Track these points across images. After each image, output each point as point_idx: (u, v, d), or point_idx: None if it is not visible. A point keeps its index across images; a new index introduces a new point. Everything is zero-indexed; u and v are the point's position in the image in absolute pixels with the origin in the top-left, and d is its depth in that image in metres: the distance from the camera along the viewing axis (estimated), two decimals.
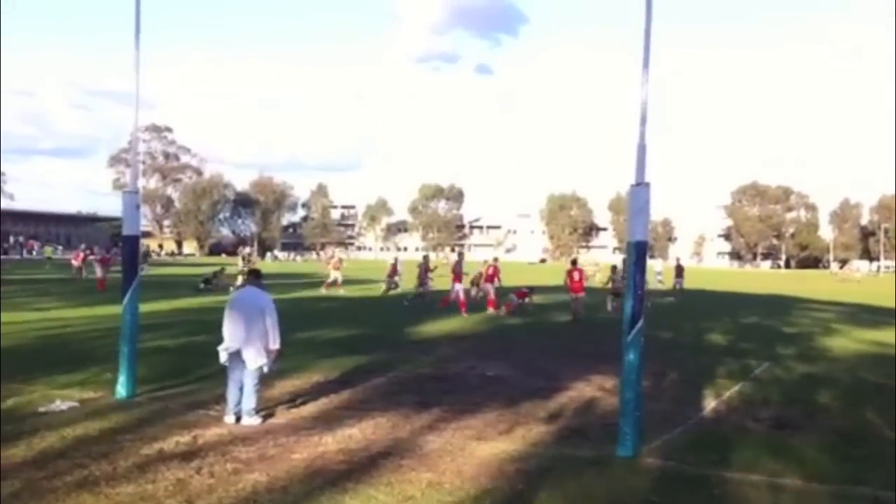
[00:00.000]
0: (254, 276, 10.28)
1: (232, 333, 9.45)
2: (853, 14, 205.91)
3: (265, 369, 9.50)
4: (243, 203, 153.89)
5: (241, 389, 9.38)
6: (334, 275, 36.09)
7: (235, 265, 42.84)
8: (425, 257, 31.42)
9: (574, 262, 26.63)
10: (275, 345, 9.50)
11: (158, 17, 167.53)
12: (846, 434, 9.52)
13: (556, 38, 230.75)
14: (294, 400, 10.64)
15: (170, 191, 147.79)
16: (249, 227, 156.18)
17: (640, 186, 8.44)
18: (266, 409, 9.73)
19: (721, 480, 7.33)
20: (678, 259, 38.33)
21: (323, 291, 34.63)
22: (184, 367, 12.80)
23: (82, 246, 63.89)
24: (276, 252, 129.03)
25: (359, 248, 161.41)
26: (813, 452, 8.54)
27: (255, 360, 9.33)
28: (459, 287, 26.29)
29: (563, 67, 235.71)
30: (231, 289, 28.13)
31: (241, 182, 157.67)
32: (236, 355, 9.39)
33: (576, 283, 24.57)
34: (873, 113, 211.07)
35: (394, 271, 35.20)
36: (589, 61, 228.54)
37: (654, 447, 8.47)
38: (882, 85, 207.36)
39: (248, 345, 9.33)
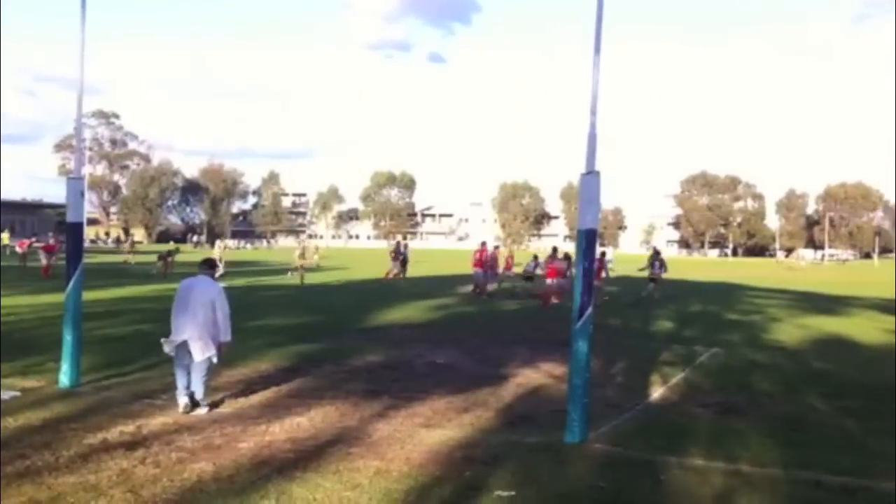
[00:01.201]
0: (205, 266, 9.90)
1: (180, 324, 9.24)
2: (801, 9, 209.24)
3: (214, 360, 9.35)
4: (192, 190, 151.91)
5: (189, 373, 9.22)
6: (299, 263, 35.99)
7: (190, 250, 42.38)
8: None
9: (554, 251, 27.50)
10: (226, 337, 9.30)
11: (108, 2, 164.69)
12: (789, 419, 9.69)
13: (509, 26, 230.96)
14: (241, 389, 10.52)
15: (117, 178, 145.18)
16: (199, 214, 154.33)
17: (591, 175, 8.47)
18: (213, 399, 9.60)
19: (667, 465, 7.40)
20: (653, 248, 38.45)
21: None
22: (129, 357, 12.60)
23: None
24: (227, 240, 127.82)
25: (310, 237, 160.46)
26: (757, 438, 8.66)
27: (202, 351, 9.14)
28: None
29: (516, 56, 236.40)
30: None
31: (191, 169, 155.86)
32: (183, 345, 9.20)
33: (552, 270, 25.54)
34: (819, 105, 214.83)
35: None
36: (542, 50, 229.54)
37: (602, 433, 8.54)
38: (827, 77, 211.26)
39: (196, 336, 9.13)
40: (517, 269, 32.06)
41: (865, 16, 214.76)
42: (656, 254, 31.03)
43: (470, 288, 29.89)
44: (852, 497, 6.62)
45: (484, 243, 31.06)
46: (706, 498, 6.61)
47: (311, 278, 35.75)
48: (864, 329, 20.20)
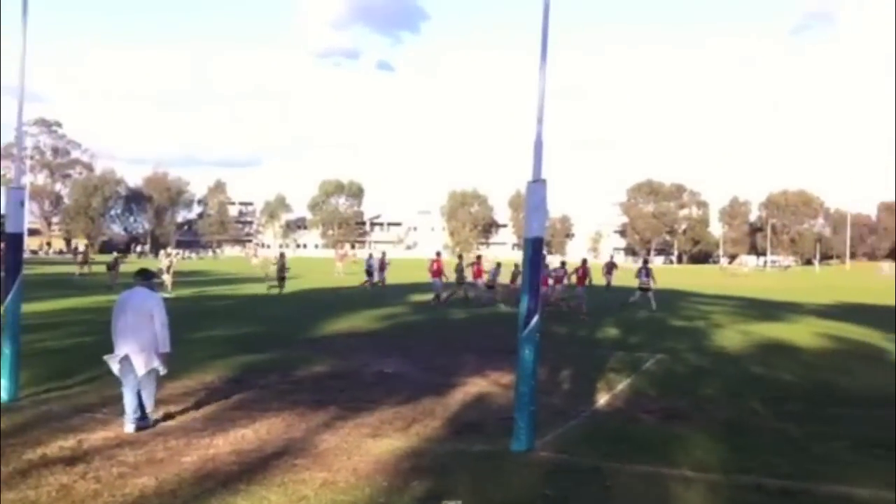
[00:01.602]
0: (142, 276, 9.56)
1: (120, 338, 9.03)
2: (742, 21, 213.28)
3: (161, 371, 9.17)
4: (136, 200, 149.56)
5: (138, 395, 8.99)
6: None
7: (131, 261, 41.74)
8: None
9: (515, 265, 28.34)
10: (165, 348, 9.07)
11: (50, 9, 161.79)
12: (732, 424, 9.83)
13: (457, 35, 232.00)
14: (185, 401, 10.37)
15: (59, 187, 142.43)
16: (142, 224, 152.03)
17: (537, 183, 8.52)
18: (156, 414, 9.43)
19: (613, 472, 7.44)
20: (612, 256, 38.90)
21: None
22: (70, 370, 12.34)
23: None
24: (171, 250, 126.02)
25: (257, 246, 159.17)
26: (700, 442, 8.77)
27: (145, 364, 8.93)
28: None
29: (464, 64, 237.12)
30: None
31: (134, 178, 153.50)
32: (126, 360, 8.97)
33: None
34: (760, 114, 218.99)
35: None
36: (489, 58, 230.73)
37: (549, 441, 8.58)
38: (768, 87, 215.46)
39: (136, 348, 8.91)
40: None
41: (804, 27, 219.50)
42: (644, 263, 32.14)
43: (431, 296, 30.06)
44: (792, 500, 6.72)
45: (439, 253, 31.96)
46: (651, 503, 6.66)
47: (259, 288, 35.42)
48: (804, 334, 20.57)
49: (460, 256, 34.53)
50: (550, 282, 27.39)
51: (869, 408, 11.15)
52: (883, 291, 50.44)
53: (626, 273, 38.69)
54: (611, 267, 40.96)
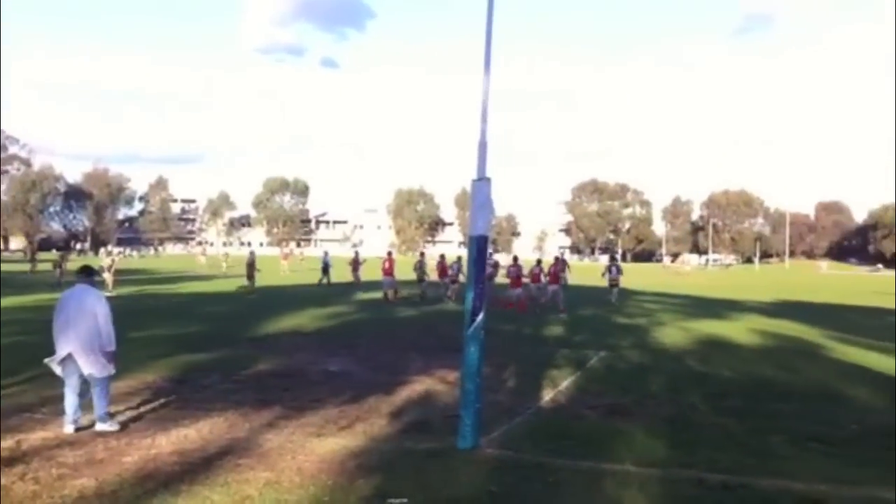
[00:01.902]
0: (84, 274, 9.35)
1: (62, 337, 8.78)
2: (684, 22, 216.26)
3: (112, 371, 8.96)
4: (75, 196, 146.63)
5: (80, 395, 8.78)
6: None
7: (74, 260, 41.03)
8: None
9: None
10: (110, 346, 8.86)
11: None
12: (673, 420, 9.98)
13: (403, 33, 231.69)
14: (126, 401, 10.19)
15: None
16: (82, 221, 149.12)
17: (482, 181, 8.55)
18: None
19: (557, 468, 7.51)
20: (562, 254, 39.26)
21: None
22: (7, 369, 12.05)
23: None
24: (112, 248, 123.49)
25: (200, 244, 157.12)
26: (643, 438, 8.89)
27: (90, 364, 8.69)
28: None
29: (411, 62, 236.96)
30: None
31: (74, 174, 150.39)
32: (69, 359, 8.75)
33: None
34: (702, 115, 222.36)
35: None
36: (436, 56, 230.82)
37: (494, 438, 8.62)
38: (710, 88, 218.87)
39: (79, 348, 8.69)
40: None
41: (745, 29, 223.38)
42: (613, 260, 32.94)
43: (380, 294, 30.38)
44: (732, 494, 6.84)
45: (390, 252, 32.85)
46: (595, 498, 6.73)
47: (208, 286, 35.02)
48: (744, 331, 20.97)
49: (422, 254, 34.59)
50: (525, 280, 27.72)
51: (806, 403, 11.42)
52: (820, 289, 51.68)
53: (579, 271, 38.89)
54: (563, 265, 40.88)
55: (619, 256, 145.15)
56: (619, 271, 30.73)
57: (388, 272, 30.48)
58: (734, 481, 7.16)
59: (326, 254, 41.65)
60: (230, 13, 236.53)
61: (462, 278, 30.00)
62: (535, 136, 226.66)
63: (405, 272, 34.55)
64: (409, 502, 6.47)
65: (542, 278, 28.98)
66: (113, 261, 34.99)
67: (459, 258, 32.90)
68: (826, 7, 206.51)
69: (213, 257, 71.36)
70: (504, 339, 17.17)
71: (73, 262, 33.10)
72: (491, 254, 36.03)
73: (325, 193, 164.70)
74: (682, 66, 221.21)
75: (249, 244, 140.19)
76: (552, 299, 27.16)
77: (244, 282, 34.55)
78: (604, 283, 32.32)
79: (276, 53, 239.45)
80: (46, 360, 8.91)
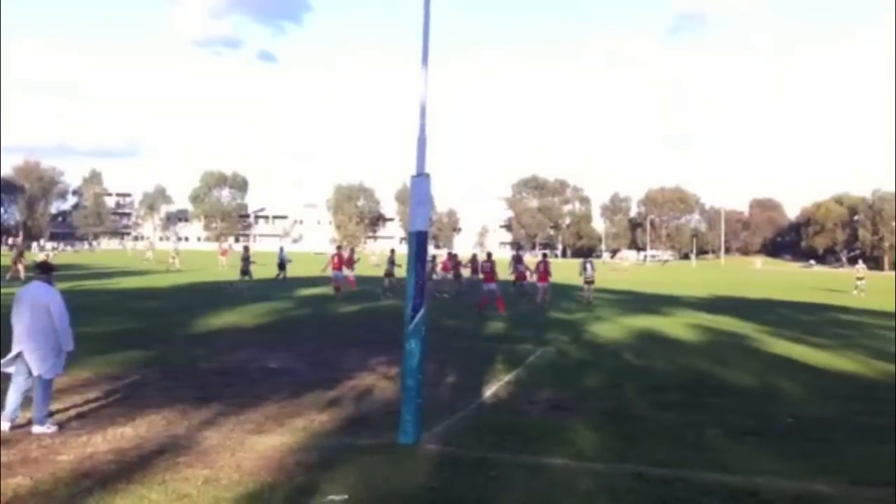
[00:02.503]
0: (41, 270, 9.19)
1: (16, 335, 8.55)
2: (620, 20, 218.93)
3: (59, 372, 8.75)
4: (7, 189, 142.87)
5: (22, 395, 8.54)
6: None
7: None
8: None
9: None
10: (67, 346, 8.69)
11: None
12: (613, 414, 10.11)
13: (341, 27, 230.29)
14: (61, 399, 9.93)
15: None
16: (13, 215, 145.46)
17: (421, 177, 8.56)
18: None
19: (498, 462, 7.55)
20: (545, 255, 39.42)
21: None
22: None
23: None
24: (46, 242, 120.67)
25: (136, 238, 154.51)
26: (583, 432, 8.98)
27: (40, 363, 8.47)
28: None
29: (349, 56, 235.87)
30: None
31: (5, 167, 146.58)
32: (20, 358, 8.51)
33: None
34: (637, 112, 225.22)
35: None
36: (374, 51, 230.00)
37: (435, 433, 8.63)
38: (645, 87, 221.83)
39: (32, 346, 8.47)
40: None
41: (679, 28, 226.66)
42: (587, 258, 33.95)
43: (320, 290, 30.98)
44: (670, 487, 6.94)
45: (340, 246, 34.73)
46: (535, 492, 6.78)
47: (145, 281, 34.44)
48: (682, 326, 21.33)
49: (392, 251, 34.53)
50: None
51: (742, 396, 11.66)
52: (755, 285, 52.75)
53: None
54: (518, 261, 40.59)
55: (558, 253, 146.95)
56: (594, 268, 31.07)
57: (338, 266, 31.11)
58: (672, 475, 7.27)
59: (282, 249, 41.34)
60: (165, 3, 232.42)
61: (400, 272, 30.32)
62: (476, 131, 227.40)
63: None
64: (350, 498, 6.44)
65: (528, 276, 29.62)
66: (48, 255, 34.25)
67: (434, 257, 33.73)
68: (756, 6, 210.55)
69: (162, 252, 70.06)
70: (445, 336, 17.20)
71: (7, 258, 32.32)
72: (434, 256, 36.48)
73: (264, 188, 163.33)
74: (617, 64, 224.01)
75: (186, 239, 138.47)
76: (543, 296, 27.95)
77: (238, 276, 34.05)
78: (578, 281, 32.19)
79: (213, 46, 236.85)
80: (3, 361, 8.64)
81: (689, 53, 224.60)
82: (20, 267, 34.10)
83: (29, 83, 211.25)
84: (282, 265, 38.99)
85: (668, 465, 7.58)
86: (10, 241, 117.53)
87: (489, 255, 28.89)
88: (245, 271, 33.22)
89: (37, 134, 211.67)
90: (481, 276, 28.09)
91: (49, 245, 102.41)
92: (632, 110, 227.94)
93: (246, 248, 35.65)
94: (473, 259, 34.58)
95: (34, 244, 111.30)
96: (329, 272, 31.59)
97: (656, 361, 14.88)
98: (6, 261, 35.56)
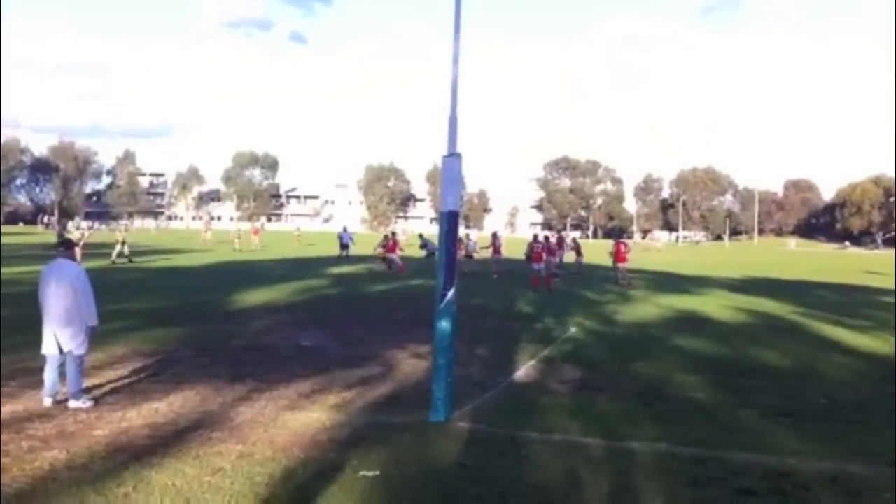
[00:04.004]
0: (64, 247, 9.29)
1: (45, 312, 8.67)
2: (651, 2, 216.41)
3: (83, 350, 8.82)
4: (42, 169, 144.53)
5: (57, 370, 8.67)
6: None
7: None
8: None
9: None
10: (91, 321, 8.78)
11: None
12: (645, 394, 10.06)
13: (371, 7, 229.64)
14: (96, 374, 10.11)
15: None
16: (49, 194, 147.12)
17: (452, 157, 8.54)
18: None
19: (528, 441, 7.57)
20: (575, 238, 39.49)
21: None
22: None
23: None
24: (81, 221, 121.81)
25: (169, 218, 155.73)
26: (614, 412, 8.97)
27: (70, 339, 8.59)
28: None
29: (379, 36, 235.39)
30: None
31: (40, 147, 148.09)
32: (51, 338, 8.64)
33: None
34: (671, 93, 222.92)
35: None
36: (405, 31, 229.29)
37: (466, 412, 8.65)
38: (679, 66, 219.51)
39: (62, 323, 8.59)
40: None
41: (713, 8, 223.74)
42: (619, 238, 35.45)
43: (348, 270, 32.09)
44: (703, 467, 6.92)
45: (394, 232, 37.11)
46: (566, 472, 6.78)
47: (169, 262, 34.73)
48: (715, 307, 21.16)
49: (393, 233, 35.24)
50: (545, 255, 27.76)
51: (775, 377, 11.57)
52: (789, 266, 52.24)
53: (511, 244, 38.96)
54: (561, 242, 40.40)
55: (589, 233, 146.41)
56: (627, 249, 31.01)
57: (393, 250, 33.13)
58: (704, 455, 7.25)
59: (346, 229, 42.52)
60: None
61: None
62: (507, 112, 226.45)
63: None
64: (382, 475, 6.49)
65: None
66: (83, 235, 34.65)
67: (468, 235, 34.71)
68: None
69: (222, 233, 70.76)
70: (475, 314, 17.21)
71: (42, 236, 32.70)
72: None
73: (295, 168, 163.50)
74: (651, 44, 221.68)
75: (219, 218, 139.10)
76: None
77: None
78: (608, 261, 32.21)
79: (244, 27, 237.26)
80: (43, 348, 8.74)
81: (724, 32, 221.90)
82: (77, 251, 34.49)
83: (64, 65, 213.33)
84: (345, 245, 40.02)
85: (700, 445, 7.56)
86: (45, 219, 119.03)
87: (535, 236, 29.03)
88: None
89: (71, 114, 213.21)
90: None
91: (84, 224, 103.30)
92: (666, 90, 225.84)
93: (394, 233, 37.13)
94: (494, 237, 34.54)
95: (69, 223, 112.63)
96: (378, 252, 33.50)
97: (689, 341, 14.80)
98: (40, 238, 35.91)
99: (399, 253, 33.60)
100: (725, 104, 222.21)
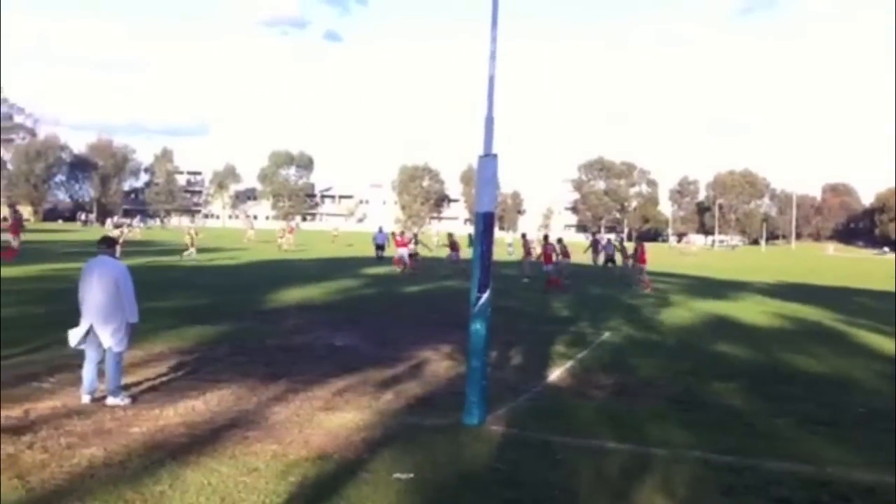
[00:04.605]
0: (105, 245, 9.31)
1: (85, 309, 8.73)
2: (690, 2, 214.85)
3: (123, 348, 8.88)
4: (81, 167, 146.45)
5: (96, 367, 8.74)
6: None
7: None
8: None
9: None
10: (133, 318, 8.84)
11: None
12: (680, 400, 9.98)
13: (406, 6, 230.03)
14: (134, 372, 10.19)
15: (2, 153, 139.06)
16: (88, 192, 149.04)
17: (488, 158, 8.52)
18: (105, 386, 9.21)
19: (563, 446, 7.53)
20: (594, 233, 39.47)
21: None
22: (15, 338, 12.06)
23: None
24: (120, 219, 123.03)
25: (206, 217, 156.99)
26: (649, 418, 8.89)
27: (111, 336, 8.66)
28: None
29: (414, 36, 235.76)
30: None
31: (79, 145, 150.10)
32: (91, 334, 8.70)
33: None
34: (706, 94, 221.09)
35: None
36: (439, 31, 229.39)
37: (500, 415, 8.63)
38: (715, 68, 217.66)
39: (103, 320, 8.65)
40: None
41: (749, 10, 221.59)
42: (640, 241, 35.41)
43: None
44: (738, 475, 6.84)
45: (451, 234, 36.97)
46: (600, 477, 6.75)
47: (204, 259, 35.08)
48: (752, 312, 20.96)
49: (524, 236, 35.80)
50: (555, 257, 28.24)
51: (813, 385, 11.43)
52: (827, 271, 51.59)
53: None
54: (596, 244, 40.27)
55: (623, 236, 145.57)
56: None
57: (403, 244, 33.55)
58: (740, 463, 7.17)
59: (381, 230, 42.89)
60: None
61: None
62: (541, 111, 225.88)
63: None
64: (416, 478, 6.49)
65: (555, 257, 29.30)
66: (122, 232, 35.16)
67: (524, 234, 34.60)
68: None
69: (268, 233, 71.48)
70: (508, 317, 17.17)
71: (83, 234, 33.15)
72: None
73: (330, 168, 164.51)
74: (685, 46, 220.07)
75: (255, 217, 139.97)
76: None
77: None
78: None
79: (280, 26, 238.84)
80: (70, 332, 8.84)
81: (760, 34, 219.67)
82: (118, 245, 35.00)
83: (102, 63, 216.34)
84: (381, 246, 40.45)
85: (736, 453, 7.48)
86: (84, 216, 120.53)
87: (559, 239, 29.21)
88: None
89: (110, 112, 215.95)
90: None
91: (125, 221, 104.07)
92: (701, 91, 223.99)
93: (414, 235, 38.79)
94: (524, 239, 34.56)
95: (108, 221, 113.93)
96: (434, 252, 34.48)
97: (725, 347, 14.66)
98: (78, 236, 36.38)
99: (411, 250, 33.75)
100: (763, 106, 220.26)
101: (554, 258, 27.97)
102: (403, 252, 33.09)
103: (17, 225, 34.47)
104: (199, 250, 37.91)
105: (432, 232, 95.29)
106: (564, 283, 27.14)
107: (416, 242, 35.76)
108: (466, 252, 30.56)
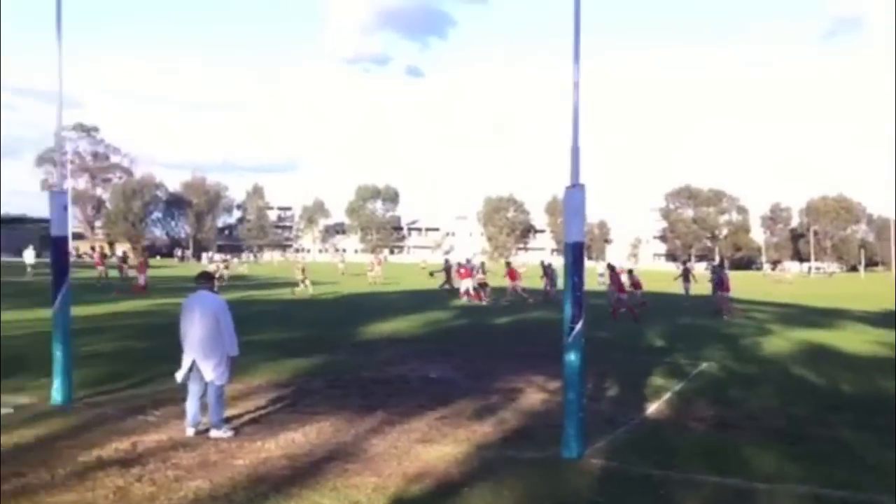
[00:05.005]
0: (204, 280, 9.54)
1: (187, 343, 8.97)
2: (775, 25, 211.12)
3: (224, 381, 9.07)
4: (176, 204, 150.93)
5: (199, 400, 8.96)
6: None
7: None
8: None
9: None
10: (233, 351, 9.04)
11: (84, 15, 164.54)
12: (785, 433, 9.67)
13: (486, 39, 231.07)
14: (235, 405, 10.41)
15: (100, 192, 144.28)
16: (183, 228, 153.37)
17: (575, 188, 8.49)
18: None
19: (665, 480, 7.39)
20: (684, 262, 39.02)
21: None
22: (121, 372, 12.50)
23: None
24: (216, 255, 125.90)
25: (297, 251, 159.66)
26: (753, 451, 8.65)
27: (212, 370, 8.86)
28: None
29: (495, 69, 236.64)
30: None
31: (173, 183, 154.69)
32: (194, 368, 8.93)
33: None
34: (796, 119, 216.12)
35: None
36: (521, 63, 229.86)
37: (598, 448, 8.52)
38: (806, 92, 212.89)
39: (205, 355, 8.86)
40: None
41: (834, 32, 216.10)
42: (715, 269, 34.96)
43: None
44: None
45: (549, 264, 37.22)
46: None
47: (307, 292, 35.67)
48: (855, 342, 20.26)
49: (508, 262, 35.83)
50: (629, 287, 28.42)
51: None
52: None
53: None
54: (687, 273, 39.57)
55: (716, 264, 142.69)
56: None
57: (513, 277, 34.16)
58: (853, 497, 6.93)
59: (448, 262, 43.09)
60: (317, 23, 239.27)
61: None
62: (627, 140, 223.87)
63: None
64: None
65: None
66: (218, 268, 36.07)
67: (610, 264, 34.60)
68: None
69: (357, 265, 72.71)
70: (600, 347, 16.97)
71: (179, 269, 34.07)
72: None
73: (416, 201, 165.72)
74: (772, 69, 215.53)
75: (345, 250, 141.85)
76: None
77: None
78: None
79: (363, 63, 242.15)
80: (177, 374, 9.09)
81: (847, 55, 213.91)
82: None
83: (196, 103, 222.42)
84: (448, 272, 40.63)
85: (847, 488, 7.22)
86: (181, 253, 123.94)
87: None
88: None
89: (203, 151, 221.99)
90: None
91: (219, 258, 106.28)
92: (789, 116, 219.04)
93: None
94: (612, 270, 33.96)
95: (204, 255, 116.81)
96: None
97: (828, 378, 14.19)
98: (176, 272, 37.39)
99: (480, 280, 34.42)
100: (854, 129, 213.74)
101: (626, 288, 27.90)
102: (467, 284, 33.44)
103: (144, 264, 37.77)
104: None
105: (519, 262, 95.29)
106: (637, 311, 26.71)
107: (484, 272, 36.00)
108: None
